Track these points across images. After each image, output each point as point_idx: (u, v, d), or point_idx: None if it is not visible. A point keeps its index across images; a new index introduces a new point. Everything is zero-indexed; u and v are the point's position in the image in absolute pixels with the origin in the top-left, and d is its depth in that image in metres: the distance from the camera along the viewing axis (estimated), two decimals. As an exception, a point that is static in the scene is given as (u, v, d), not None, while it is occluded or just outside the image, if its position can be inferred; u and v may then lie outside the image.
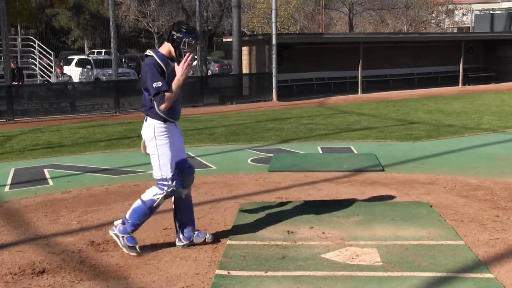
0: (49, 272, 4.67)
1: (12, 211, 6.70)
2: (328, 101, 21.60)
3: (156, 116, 4.91)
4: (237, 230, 5.63)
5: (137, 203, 5.04)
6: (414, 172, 8.44)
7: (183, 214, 5.25)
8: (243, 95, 21.88)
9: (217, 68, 41.97)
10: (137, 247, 5.02)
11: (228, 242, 5.28)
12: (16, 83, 18.64)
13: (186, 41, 4.94)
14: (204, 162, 9.62)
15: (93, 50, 48.46)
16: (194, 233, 5.25)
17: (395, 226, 5.66)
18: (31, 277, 4.59)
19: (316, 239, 5.32)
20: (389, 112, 16.98)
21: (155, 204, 4.99)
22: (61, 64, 27.24)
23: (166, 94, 4.79)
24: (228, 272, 4.53)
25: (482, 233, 5.46)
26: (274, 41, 21.45)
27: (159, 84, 4.78)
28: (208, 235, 5.30)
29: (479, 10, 38.59)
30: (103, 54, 38.82)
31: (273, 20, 22.06)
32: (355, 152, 10.38)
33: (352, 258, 4.81)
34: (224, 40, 31.39)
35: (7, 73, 17.62)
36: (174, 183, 4.97)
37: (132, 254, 4.98)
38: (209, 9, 35.76)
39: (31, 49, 24.47)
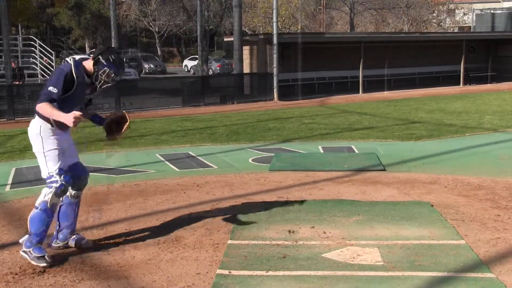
0: (49, 272, 4.67)
1: (13, 211, 6.70)
2: (329, 100, 21.59)
3: (44, 118, 4.83)
4: (238, 229, 5.62)
5: (32, 211, 4.87)
6: (415, 172, 8.43)
7: (66, 216, 5.15)
8: (244, 95, 21.87)
9: (218, 68, 41.98)
10: (46, 256, 4.78)
11: (229, 241, 5.28)
12: (17, 83, 18.66)
13: (107, 70, 4.87)
14: (205, 161, 9.63)
15: (94, 50, 48.47)
16: (71, 237, 5.19)
17: (396, 225, 5.66)
18: (32, 276, 4.59)
19: (317, 239, 5.31)
20: (390, 111, 16.98)
21: (48, 205, 4.79)
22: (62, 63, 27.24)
23: (49, 104, 4.66)
24: (229, 272, 4.53)
25: (483, 233, 5.45)
26: (275, 41, 21.45)
27: (55, 91, 4.69)
28: (84, 240, 5.21)
29: (480, 10, 38.58)
30: (104, 53, 38.78)
31: (274, 19, 22.07)
32: (356, 151, 10.37)
33: (353, 257, 4.80)
34: (225, 39, 31.41)
35: (8, 73, 17.64)
36: (62, 177, 4.81)
37: (41, 265, 4.74)
38: (210, 8, 35.78)
39: (32, 48, 24.46)
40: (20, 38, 27.29)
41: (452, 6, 53.72)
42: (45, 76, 23.74)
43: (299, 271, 4.54)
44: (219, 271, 4.56)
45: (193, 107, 19.74)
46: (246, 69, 23.13)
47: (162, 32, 54.68)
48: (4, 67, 18.38)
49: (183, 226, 5.81)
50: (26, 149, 11.30)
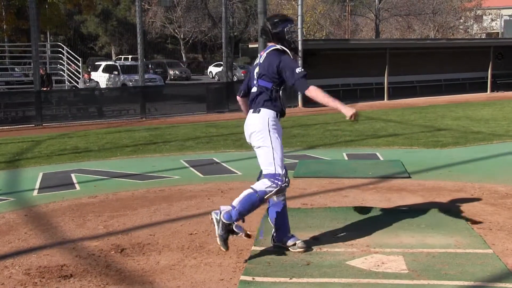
0: (75, 276, 4.72)
1: (40, 215, 6.79)
2: (354, 107, 21.46)
3: (274, 108, 4.85)
4: (263, 236, 5.62)
5: (248, 191, 4.77)
6: (441, 179, 8.34)
7: (278, 218, 5.15)
8: (268, 101, 21.87)
9: (242, 74, 42.05)
10: (233, 235, 4.79)
11: (253, 248, 5.27)
12: (45, 89, 18.95)
13: (288, 29, 4.96)
14: (229, 168, 9.64)
15: (120, 56, 49.10)
16: (288, 236, 5.21)
17: (421, 233, 5.60)
18: (58, 280, 4.64)
19: (341, 246, 5.28)
20: (415, 118, 16.84)
21: (266, 196, 4.76)
22: (89, 70, 27.61)
23: (318, 89, 4.75)
24: (253, 278, 4.52)
25: (511, 242, 5.36)
26: (300, 47, 21.45)
27: (302, 69, 4.79)
28: (299, 241, 5.15)
29: (508, 16, 38.10)
30: (129, 60, 39.31)
31: (299, 26, 22.08)
32: (381, 158, 10.30)
33: (378, 265, 4.76)
34: (250, 46, 31.52)
35: (36, 79, 17.94)
36: (287, 179, 4.78)
37: (222, 248, 4.78)
38: (235, 15, 35.97)
39: (60, 55, 24.86)
40: (48, 45, 27.75)
41: (479, 12, 53.09)
42: (72, 82, 24.10)
43: (323, 278, 4.51)
44: (242, 277, 4.56)
45: (218, 113, 19.82)
46: (271, 76, 23.13)
47: (187, 38, 55.11)
48: (33, 73, 18.70)
49: (207, 232, 5.82)
50: (53, 154, 11.47)
